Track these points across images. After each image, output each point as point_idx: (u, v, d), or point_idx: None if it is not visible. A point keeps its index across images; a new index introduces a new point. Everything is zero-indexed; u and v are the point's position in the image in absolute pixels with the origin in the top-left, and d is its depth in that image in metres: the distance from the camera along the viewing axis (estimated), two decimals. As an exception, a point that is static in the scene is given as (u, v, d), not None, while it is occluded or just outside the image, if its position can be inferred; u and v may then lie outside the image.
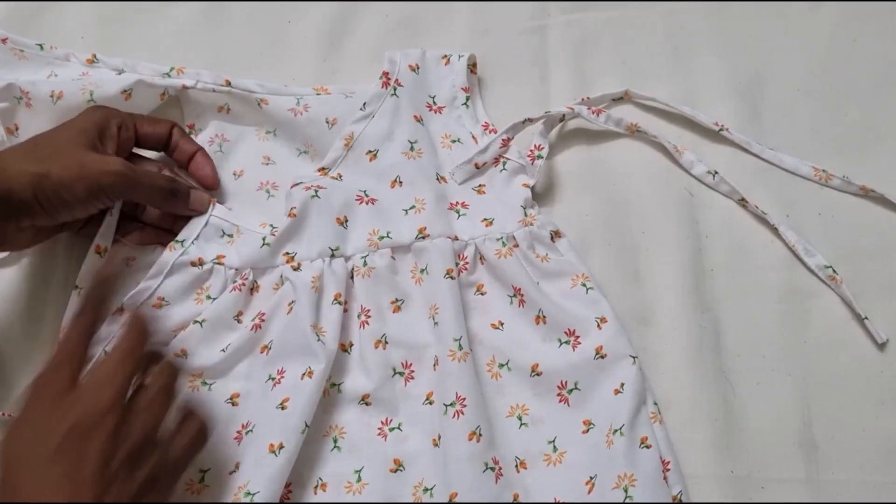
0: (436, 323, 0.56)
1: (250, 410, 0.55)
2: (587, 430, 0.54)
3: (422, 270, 0.58)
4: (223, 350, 0.56)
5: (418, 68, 0.64)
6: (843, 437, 0.55)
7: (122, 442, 0.42)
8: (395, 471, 0.54)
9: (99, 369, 0.44)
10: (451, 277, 0.56)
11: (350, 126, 0.61)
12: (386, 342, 0.56)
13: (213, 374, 0.56)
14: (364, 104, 0.62)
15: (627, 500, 0.50)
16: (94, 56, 0.65)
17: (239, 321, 0.57)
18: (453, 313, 0.55)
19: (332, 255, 0.58)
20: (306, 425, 0.52)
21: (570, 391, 0.55)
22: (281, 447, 0.51)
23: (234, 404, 0.55)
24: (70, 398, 0.43)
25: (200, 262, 0.58)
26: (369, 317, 0.57)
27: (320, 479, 0.54)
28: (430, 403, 0.55)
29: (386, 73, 0.63)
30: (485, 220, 0.60)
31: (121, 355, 0.45)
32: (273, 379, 0.55)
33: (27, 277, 0.62)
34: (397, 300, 0.58)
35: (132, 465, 0.43)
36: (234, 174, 0.64)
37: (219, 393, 0.55)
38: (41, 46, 0.65)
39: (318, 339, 0.54)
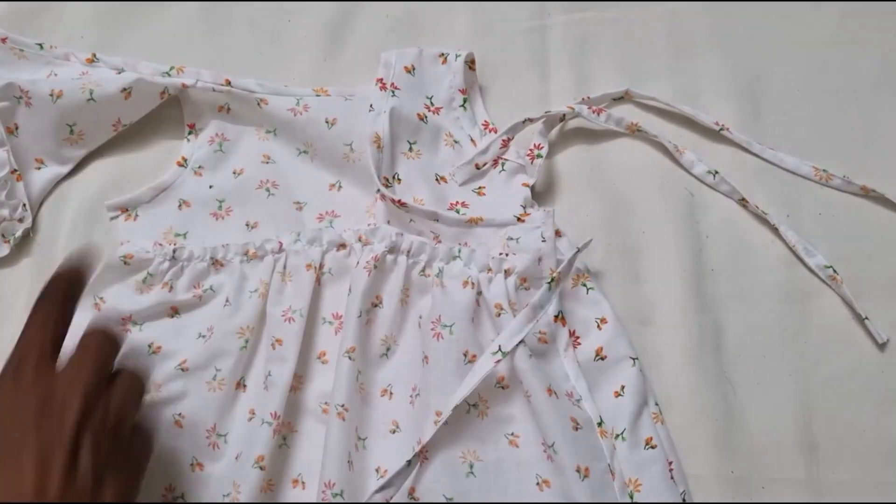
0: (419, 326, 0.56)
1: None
2: None
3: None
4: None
5: (414, 69, 0.64)
6: (844, 438, 0.55)
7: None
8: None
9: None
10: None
11: (371, 127, 0.61)
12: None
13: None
14: (371, 105, 0.62)
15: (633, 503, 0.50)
16: (94, 55, 0.65)
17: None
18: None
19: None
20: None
21: (579, 400, 0.54)
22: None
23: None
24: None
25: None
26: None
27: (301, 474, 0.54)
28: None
29: (380, 80, 0.63)
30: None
31: (86, 351, 0.43)
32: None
33: (26, 278, 0.62)
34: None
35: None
36: (234, 172, 0.63)
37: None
38: (41, 46, 0.65)
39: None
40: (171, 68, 0.64)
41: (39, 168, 0.63)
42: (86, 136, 0.64)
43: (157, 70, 0.64)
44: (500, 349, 0.52)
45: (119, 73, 0.64)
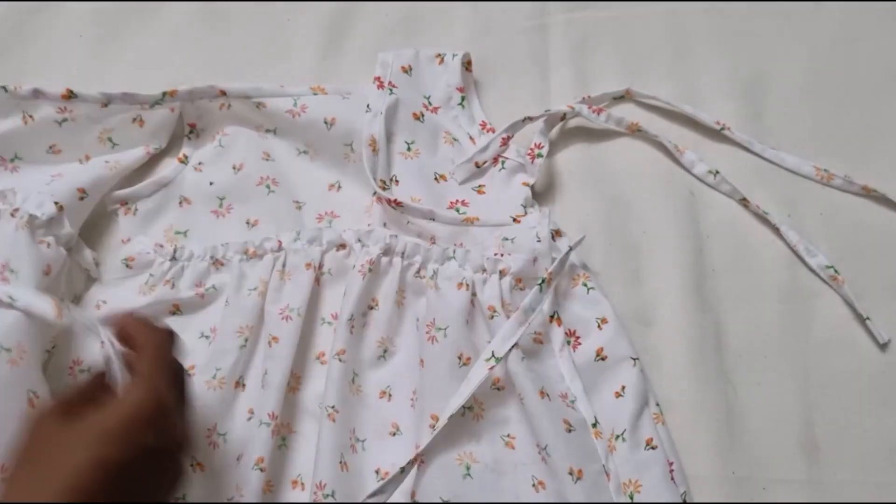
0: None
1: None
2: None
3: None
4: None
5: (411, 69, 0.64)
6: (845, 438, 0.55)
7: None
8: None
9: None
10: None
11: (367, 130, 0.61)
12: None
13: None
14: (368, 105, 0.62)
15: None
16: (70, 91, 0.60)
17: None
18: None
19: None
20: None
21: (573, 401, 0.54)
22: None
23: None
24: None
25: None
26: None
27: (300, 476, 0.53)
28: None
29: (378, 78, 0.63)
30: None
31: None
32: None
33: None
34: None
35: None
36: (234, 167, 0.63)
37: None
38: (5, 89, 0.59)
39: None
40: (164, 94, 0.62)
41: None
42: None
43: (150, 98, 0.62)
44: (493, 355, 0.52)
45: (104, 106, 0.61)
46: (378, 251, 0.57)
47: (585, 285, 0.57)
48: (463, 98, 0.64)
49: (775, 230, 0.61)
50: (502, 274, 0.56)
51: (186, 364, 0.55)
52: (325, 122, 0.62)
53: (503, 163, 0.62)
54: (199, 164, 0.63)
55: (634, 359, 0.54)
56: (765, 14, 0.70)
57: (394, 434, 0.54)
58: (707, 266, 0.60)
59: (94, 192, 0.60)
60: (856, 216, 0.61)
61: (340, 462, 0.51)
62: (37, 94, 0.60)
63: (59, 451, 0.39)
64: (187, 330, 0.57)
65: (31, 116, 0.60)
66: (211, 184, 0.62)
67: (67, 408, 0.41)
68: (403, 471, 0.51)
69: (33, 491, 0.38)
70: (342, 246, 0.58)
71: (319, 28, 0.71)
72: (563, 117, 0.64)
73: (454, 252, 0.57)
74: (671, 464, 0.52)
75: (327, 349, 0.56)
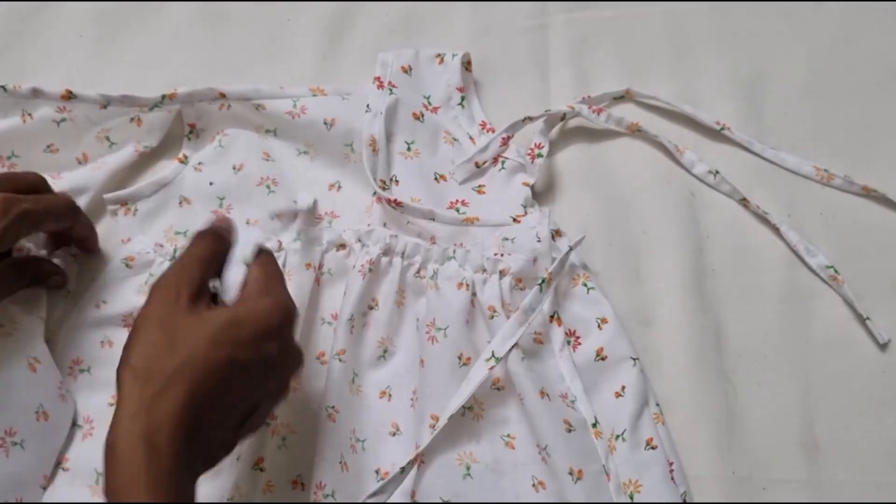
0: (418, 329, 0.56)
1: None
2: None
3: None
4: None
5: (411, 69, 0.64)
6: (845, 438, 0.55)
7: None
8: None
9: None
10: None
11: (367, 130, 0.61)
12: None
13: None
14: (368, 105, 0.62)
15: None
16: (70, 92, 0.60)
17: None
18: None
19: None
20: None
21: (573, 401, 0.54)
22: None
23: None
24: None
25: None
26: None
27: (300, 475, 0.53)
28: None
29: (378, 78, 0.63)
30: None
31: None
32: None
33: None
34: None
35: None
36: (234, 168, 0.63)
37: None
38: (4, 88, 0.59)
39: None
40: (164, 97, 0.62)
41: None
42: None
43: (149, 101, 0.62)
44: (493, 355, 0.52)
45: (103, 107, 0.61)
46: (378, 251, 0.57)
47: (585, 285, 0.57)
48: (463, 98, 0.64)
49: (775, 230, 0.61)
50: (502, 274, 0.56)
51: None
52: (325, 123, 0.62)
53: (503, 163, 0.62)
54: (199, 164, 0.63)
55: (634, 359, 0.54)
56: (765, 14, 0.70)
57: (394, 434, 0.54)
58: (707, 266, 0.60)
59: (91, 192, 0.60)
60: (856, 216, 0.61)
61: (340, 462, 0.51)
62: (36, 93, 0.60)
63: (191, 338, 0.40)
64: None
65: (29, 115, 0.60)
66: (211, 184, 0.62)
67: (197, 293, 0.42)
68: (403, 471, 0.51)
69: (166, 367, 0.39)
70: (342, 246, 0.58)
71: (319, 28, 0.71)
72: (563, 117, 0.64)
73: (454, 252, 0.57)
74: (671, 464, 0.52)
75: (327, 349, 0.56)
